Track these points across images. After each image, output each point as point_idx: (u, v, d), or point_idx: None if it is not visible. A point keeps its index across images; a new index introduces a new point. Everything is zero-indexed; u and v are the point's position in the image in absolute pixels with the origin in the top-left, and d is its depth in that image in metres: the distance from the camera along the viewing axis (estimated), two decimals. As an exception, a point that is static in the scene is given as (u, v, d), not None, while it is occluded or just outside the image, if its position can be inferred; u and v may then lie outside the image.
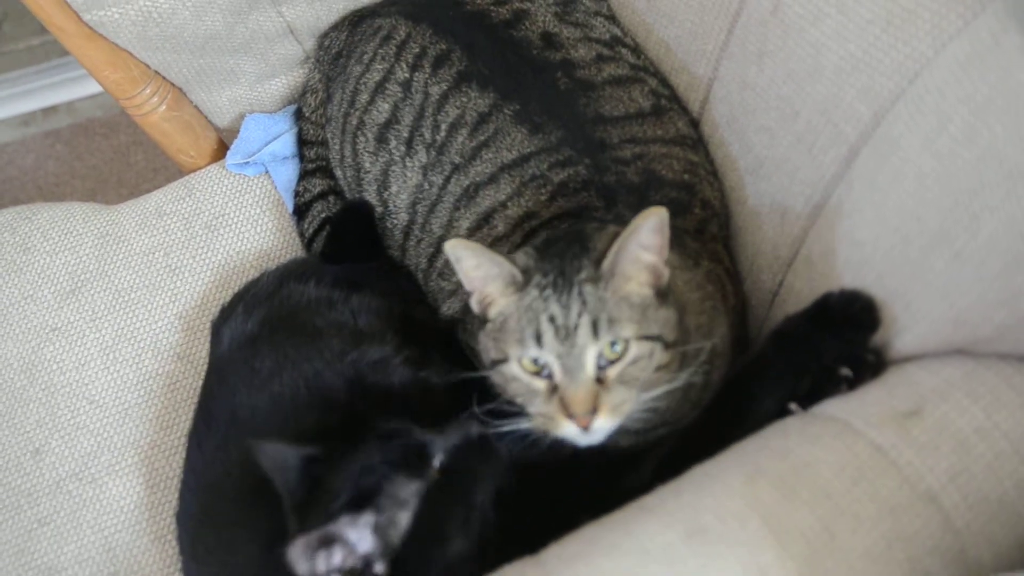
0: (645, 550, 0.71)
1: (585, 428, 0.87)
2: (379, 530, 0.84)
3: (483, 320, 0.95)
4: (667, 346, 0.89)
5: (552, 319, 0.88)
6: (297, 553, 0.81)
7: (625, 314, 0.88)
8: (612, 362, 0.88)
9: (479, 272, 0.92)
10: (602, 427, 0.88)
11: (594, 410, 0.87)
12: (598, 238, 0.92)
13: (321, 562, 0.83)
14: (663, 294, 0.91)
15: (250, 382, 1.05)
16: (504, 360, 0.91)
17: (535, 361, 0.89)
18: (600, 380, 0.88)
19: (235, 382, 1.06)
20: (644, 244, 0.88)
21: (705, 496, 0.74)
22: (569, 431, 0.88)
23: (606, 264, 0.88)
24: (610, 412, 0.88)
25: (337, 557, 0.83)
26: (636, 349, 0.88)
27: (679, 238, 0.97)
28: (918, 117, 0.80)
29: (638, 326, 0.88)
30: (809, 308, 0.89)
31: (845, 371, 0.84)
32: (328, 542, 0.83)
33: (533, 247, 0.94)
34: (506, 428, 0.93)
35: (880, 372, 0.83)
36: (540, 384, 0.89)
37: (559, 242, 0.93)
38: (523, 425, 0.92)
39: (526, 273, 0.91)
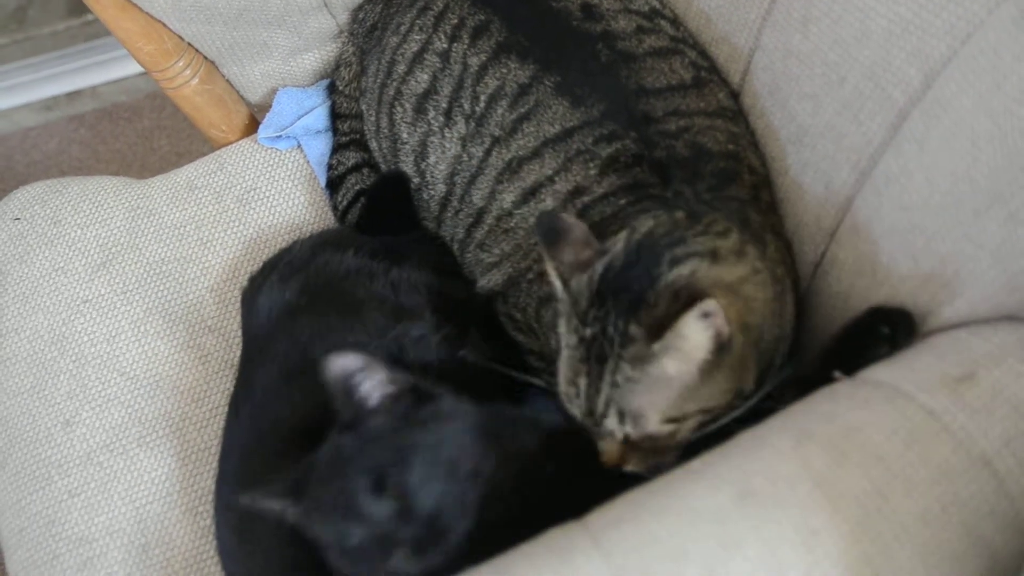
0: (695, 512, 0.69)
1: None
2: None
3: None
4: (711, 409, 0.87)
5: (578, 394, 0.87)
6: None
7: (658, 403, 0.85)
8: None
9: None
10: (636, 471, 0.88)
11: (622, 462, 0.88)
12: (663, 280, 0.84)
13: None
14: (724, 346, 0.84)
15: (289, 350, 1.04)
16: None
17: None
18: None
19: (275, 351, 1.06)
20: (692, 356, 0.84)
21: (754, 460, 0.73)
22: None
23: (657, 346, 0.82)
24: (640, 466, 0.88)
25: None
26: (668, 427, 0.86)
27: (742, 211, 0.95)
28: (971, 77, 0.78)
29: (673, 409, 0.85)
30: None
31: (884, 329, 0.83)
32: None
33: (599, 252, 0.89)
34: None
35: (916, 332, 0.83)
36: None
37: (620, 264, 0.87)
38: None
39: (576, 303, 0.88)
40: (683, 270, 0.85)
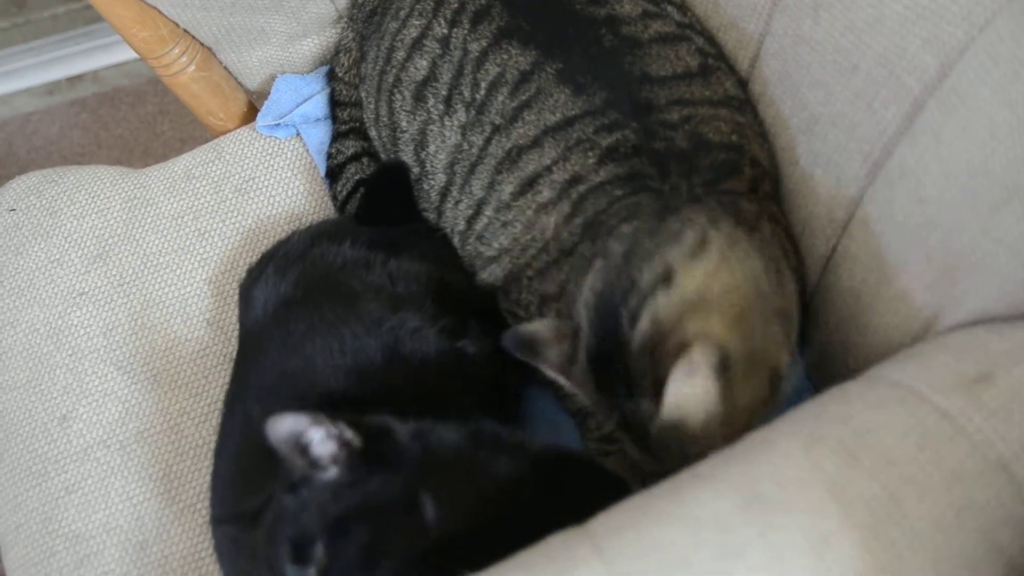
0: (697, 519, 0.67)
1: None
2: None
3: None
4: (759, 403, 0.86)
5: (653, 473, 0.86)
6: None
7: (710, 442, 0.82)
8: None
9: None
10: None
11: None
12: (633, 347, 0.85)
13: None
14: (725, 362, 0.82)
15: (283, 344, 1.02)
16: None
17: None
18: None
19: (270, 345, 1.04)
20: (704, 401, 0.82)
21: (761, 463, 0.71)
22: None
23: (666, 414, 0.82)
24: None
25: None
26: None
27: (733, 204, 0.93)
28: (989, 65, 0.76)
29: (729, 437, 0.82)
30: None
31: None
32: None
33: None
34: None
35: None
36: None
37: (595, 345, 0.88)
38: None
39: (589, 396, 0.89)
40: (643, 325, 0.85)
